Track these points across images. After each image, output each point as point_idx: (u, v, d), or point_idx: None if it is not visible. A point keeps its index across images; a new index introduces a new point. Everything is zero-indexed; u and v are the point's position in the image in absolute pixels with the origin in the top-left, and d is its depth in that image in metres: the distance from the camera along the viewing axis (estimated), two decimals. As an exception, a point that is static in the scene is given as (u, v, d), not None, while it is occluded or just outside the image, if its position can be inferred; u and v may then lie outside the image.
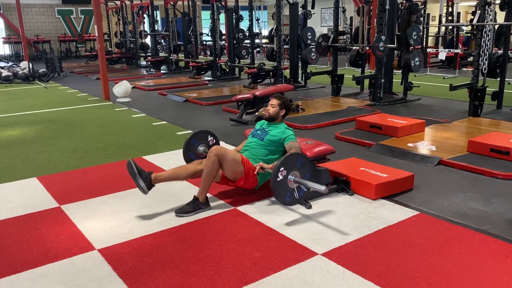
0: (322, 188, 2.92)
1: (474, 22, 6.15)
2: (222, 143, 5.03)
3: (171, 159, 4.54)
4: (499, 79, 6.56)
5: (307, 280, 2.34)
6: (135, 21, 15.71)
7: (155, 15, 15.34)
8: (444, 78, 10.96)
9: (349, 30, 10.10)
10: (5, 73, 11.83)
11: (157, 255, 2.63)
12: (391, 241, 2.76)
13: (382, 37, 7.14)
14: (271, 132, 3.54)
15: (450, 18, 13.35)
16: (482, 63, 6.22)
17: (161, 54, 15.79)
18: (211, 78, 11.60)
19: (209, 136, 3.85)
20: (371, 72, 9.10)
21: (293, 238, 2.80)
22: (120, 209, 3.32)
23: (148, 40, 17.18)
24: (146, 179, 3.17)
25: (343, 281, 2.32)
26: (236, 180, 3.35)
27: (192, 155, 3.74)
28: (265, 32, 18.21)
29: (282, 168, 2.98)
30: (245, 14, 12.09)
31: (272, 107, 3.62)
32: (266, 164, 3.35)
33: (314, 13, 10.38)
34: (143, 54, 15.98)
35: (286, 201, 3.05)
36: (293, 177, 3.04)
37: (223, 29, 13.90)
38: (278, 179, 2.97)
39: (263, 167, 3.28)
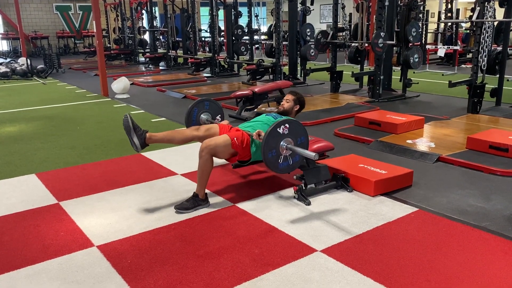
0: (311, 154, 2.91)
1: (474, 18, 6.13)
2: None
3: (170, 156, 4.53)
4: (498, 76, 6.56)
5: (306, 276, 2.34)
6: (134, 17, 15.65)
7: (153, 11, 15.30)
8: (443, 74, 10.96)
9: (348, 26, 10.06)
10: (3, 69, 11.79)
11: (156, 251, 2.63)
12: (390, 237, 2.76)
13: (381, 33, 7.13)
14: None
15: (449, 14, 13.33)
16: (481, 60, 6.22)
17: (159, 51, 15.75)
18: (209, 75, 11.57)
19: (219, 116, 3.88)
20: (370, 69, 9.10)
21: (292, 235, 2.80)
22: (119, 205, 3.32)
23: (146, 36, 17.14)
24: (141, 136, 3.13)
25: (342, 278, 2.33)
26: (234, 156, 3.35)
27: (196, 112, 3.76)
28: (264, 29, 18.16)
29: (287, 125, 2.96)
30: (244, 10, 12.06)
31: (287, 102, 3.69)
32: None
33: (313, 10, 10.36)
34: (142, 51, 15.94)
35: (268, 157, 2.99)
36: (286, 144, 3.02)
37: (222, 25, 13.85)
38: (278, 129, 2.94)
39: (260, 134, 3.19)
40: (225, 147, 3.24)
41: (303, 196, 3.30)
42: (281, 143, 3.01)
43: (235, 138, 3.27)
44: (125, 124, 3.15)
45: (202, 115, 3.79)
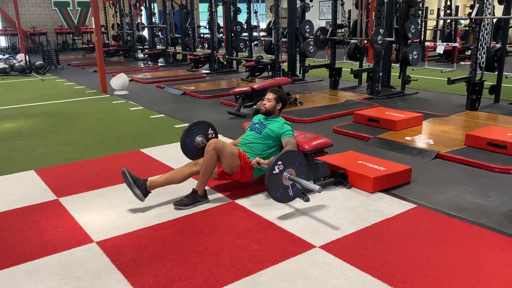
0: (316, 187, 2.91)
1: (473, 15, 6.14)
2: (220, 137, 5.03)
3: (168, 152, 4.54)
4: (497, 73, 6.57)
5: (305, 272, 2.35)
6: (133, 14, 15.61)
7: (152, 7, 15.25)
8: (442, 71, 10.96)
9: (347, 23, 10.06)
10: (1, 65, 11.76)
11: (155, 247, 2.64)
12: (389, 234, 2.77)
13: (381, 30, 7.13)
14: (269, 126, 3.53)
15: (448, 11, 13.32)
16: (480, 57, 6.22)
17: (158, 47, 15.73)
18: (208, 71, 11.57)
19: (210, 129, 3.84)
20: (369, 66, 9.09)
21: (291, 231, 2.81)
22: (118, 201, 3.32)
23: (145, 33, 17.10)
24: (142, 187, 3.16)
25: (340, 273, 2.34)
26: (232, 173, 3.36)
27: (189, 142, 3.72)
28: (263, 25, 18.13)
29: (280, 162, 2.98)
30: (243, 6, 12.03)
31: (269, 101, 3.60)
32: (263, 159, 3.35)
33: (312, 6, 10.34)
34: (141, 47, 15.91)
35: (277, 197, 3.02)
36: (288, 174, 3.03)
37: (221, 22, 13.82)
38: (274, 172, 2.96)
39: (260, 163, 3.29)
40: (231, 154, 3.26)
41: (302, 193, 3.30)
42: (282, 180, 3.01)
43: (241, 151, 3.36)
44: (124, 179, 3.17)
45: (197, 138, 3.75)
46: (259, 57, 9.77)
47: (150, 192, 3.23)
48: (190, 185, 3.40)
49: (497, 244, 2.63)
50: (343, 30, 9.57)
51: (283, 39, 11.23)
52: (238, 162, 3.30)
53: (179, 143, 3.71)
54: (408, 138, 4.80)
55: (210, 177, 3.26)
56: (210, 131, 3.84)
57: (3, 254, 2.59)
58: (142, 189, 3.16)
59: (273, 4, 8.93)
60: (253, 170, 3.39)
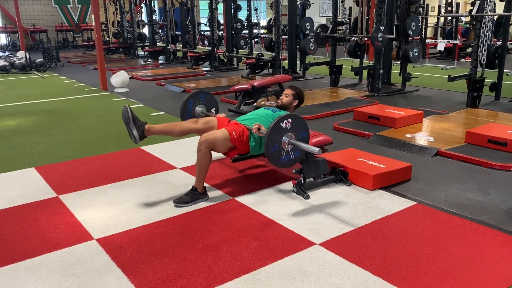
0: (315, 149, 2.91)
1: (473, 12, 6.12)
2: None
3: (169, 150, 4.53)
4: (497, 70, 6.55)
5: (305, 269, 2.36)
6: (133, 11, 15.58)
7: (152, 4, 15.23)
8: (442, 69, 10.94)
9: (348, 20, 10.03)
10: (1, 63, 11.76)
11: (155, 244, 2.64)
12: (388, 231, 2.77)
13: (381, 27, 7.11)
14: (282, 113, 3.51)
15: (449, 8, 13.29)
16: (481, 54, 6.21)
17: (159, 44, 15.70)
18: (209, 69, 11.55)
19: (214, 108, 3.85)
20: (369, 63, 9.08)
21: (291, 228, 2.81)
22: (118, 199, 3.32)
23: (145, 30, 17.08)
24: (140, 127, 3.13)
25: (340, 271, 2.34)
26: (232, 150, 3.35)
27: (191, 104, 3.74)
28: (263, 22, 18.11)
29: (290, 120, 2.96)
30: (243, 4, 12.02)
31: (286, 96, 3.67)
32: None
33: (313, 3, 10.33)
34: (141, 44, 15.88)
35: (280, 163, 3.00)
36: (288, 139, 3.02)
37: (221, 19, 13.80)
38: (281, 124, 2.93)
39: (260, 128, 3.20)
40: (224, 141, 3.24)
41: (302, 190, 3.31)
42: (283, 138, 3.01)
43: (233, 132, 3.27)
44: (125, 115, 3.15)
45: (197, 108, 3.77)
46: (260, 54, 9.76)
47: (146, 136, 3.20)
48: (190, 182, 3.40)
49: (497, 241, 2.63)
50: (343, 27, 9.54)
51: (283, 37, 11.21)
52: (233, 145, 3.29)
53: (180, 111, 3.71)
54: (408, 135, 4.80)
55: (207, 173, 3.25)
56: (212, 110, 3.85)
57: (3, 252, 2.59)
58: (140, 130, 3.13)
59: (274, 1, 8.91)
60: (250, 141, 3.34)
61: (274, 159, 3.03)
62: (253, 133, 3.30)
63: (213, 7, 11.58)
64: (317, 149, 2.89)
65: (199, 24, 16.14)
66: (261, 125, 3.21)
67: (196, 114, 3.80)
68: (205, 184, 3.30)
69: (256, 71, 9.81)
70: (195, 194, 3.22)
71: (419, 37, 11.97)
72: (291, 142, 3.02)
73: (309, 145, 3.01)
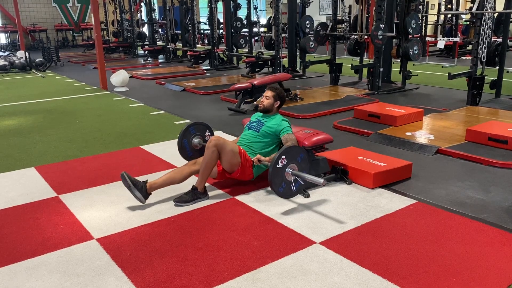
0: (320, 181, 2.91)
1: (474, 10, 6.11)
2: (220, 133, 5.04)
3: (169, 149, 4.53)
4: (498, 67, 6.54)
5: (305, 268, 2.35)
6: (132, 10, 15.57)
7: (152, 3, 15.21)
8: (442, 67, 10.93)
9: (347, 18, 10.01)
10: (1, 62, 11.75)
11: (155, 244, 2.64)
12: (389, 229, 2.77)
13: (381, 25, 7.10)
14: (267, 124, 3.52)
15: (449, 6, 13.27)
16: (481, 52, 6.20)
17: (158, 43, 15.69)
18: (209, 67, 11.54)
19: (207, 131, 3.82)
20: (369, 61, 9.07)
21: (291, 227, 2.81)
22: (118, 198, 3.32)
23: (145, 29, 17.06)
24: (142, 189, 3.15)
25: (340, 269, 2.34)
26: (233, 171, 3.36)
27: (186, 143, 3.71)
28: (263, 21, 18.08)
29: (283, 157, 2.97)
30: (243, 2, 11.99)
31: (267, 98, 3.60)
32: (263, 156, 3.35)
33: (312, 2, 10.30)
34: (141, 43, 15.87)
35: (280, 192, 3.02)
36: (291, 170, 3.03)
37: (221, 17, 13.79)
38: (277, 166, 2.95)
39: (260, 160, 3.29)
40: (231, 152, 3.26)
41: (303, 189, 3.30)
42: (285, 175, 3.01)
43: (241, 149, 3.35)
44: (124, 182, 3.16)
45: (193, 140, 3.73)
46: (259, 53, 9.75)
47: (151, 194, 3.22)
48: (190, 182, 3.39)
49: (497, 239, 2.63)
50: (343, 25, 9.54)
51: (283, 35, 11.20)
52: (238, 160, 3.30)
53: (177, 142, 3.69)
54: (408, 133, 4.79)
55: (210, 174, 3.26)
56: (207, 133, 3.82)
57: (3, 252, 2.59)
58: (142, 191, 3.15)
59: (273, 0, 8.89)
60: (253, 167, 3.39)
61: (287, 196, 3.10)
62: (255, 164, 3.37)
63: (213, 5, 11.57)
64: (322, 180, 2.91)
65: (199, 23, 16.11)
66: (260, 156, 3.32)
67: (194, 146, 3.73)
68: (205, 183, 3.29)
69: (256, 70, 9.80)
70: (196, 194, 3.22)
71: (419, 35, 11.97)
72: (294, 173, 3.04)
73: (315, 177, 3.01)
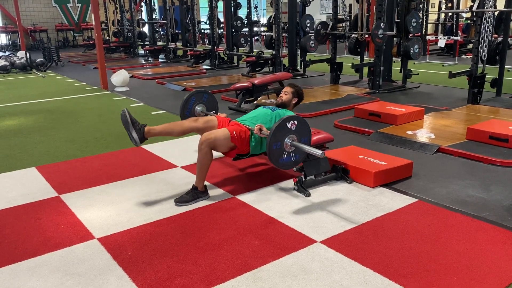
0: (318, 152, 2.90)
1: (474, 8, 6.10)
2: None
3: (170, 149, 4.53)
4: (498, 66, 6.53)
5: (306, 267, 2.35)
6: (133, 10, 15.57)
7: (152, 3, 15.21)
8: (443, 65, 10.92)
9: (348, 17, 9.99)
10: (2, 62, 11.76)
11: (156, 243, 2.64)
12: (390, 228, 2.77)
13: (381, 24, 7.09)
14: (280, 112, 3.51)
15: (449, 4, 13.25)
16: (481, 50, 6.19)
17: (159, 43, 15.70)
18: (209, 67, 11.55)
19: (214, 111, 3.83)
20: (370, 60, 9.06)
21: (292, 226, 2.81)
22: (119, 198, 3.32)
23: (146, 29, 17.07)
24: (140, 130, 3.12)
25: (341, 268, 2.34)
26: (232, 150, 3.34)
27: (193, 100, 3.72)
28: (263, 20, 18.07)
29: (296, 122, 2.96)
30: (243, 1, 11.99)
31: (285, 94, 3.65)
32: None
33: (313, 1, 10.30)
34: (141, 43, 15.87)
35: (280, 163, 3.00)
36: (290, 140, 3.01)
37: (221, 17, 13.79)
38: (286, 123, 2.93)
39: (262, 129, 3.19)
40: (225, 141, 3.23)
41: (303, 188, 3.30)
42: (286, 139, 3.00)
43: (234, 132, 3.27)
44: (123, 119, 3.15)
45: (197, 107, 3.75)
46: (260, 52, 9.75)
47: (147, 138, 3.19)
48: (191, 181, 3.39)
49: (498, 238, 2.62)
50: (343, 24, 9.51)
51: (283, 34, 11.19)
52: (233, 144, 3.28)
53: (184, 98, 3.68)
54: (409, 132, 4.79)
55: (207, 172, 3.24)
56: (212, 112, 3.84)
57: (4, 251, 2.59)
58: (140, 133, 3.12)
59: (274, -1, 8.90)
60: (250, 141, 3.34)
61: (274, 158, 3.02)
62: (254, 133, 3.29)
63: (213, 5, 11.56)
64: (320, 152, 2.88)
65: (199, 22, 16.14)
66: (262, 126, 3.21)
67: (196, 113, 3.79)
68: (206, 183, 3.29)
69: (257, 69, 9.80)
70: (196, 193, 3.22)
71: (419, 34, 11.95)
72: (293, 144, 3.01)
73: (314, 148, 2.99)
